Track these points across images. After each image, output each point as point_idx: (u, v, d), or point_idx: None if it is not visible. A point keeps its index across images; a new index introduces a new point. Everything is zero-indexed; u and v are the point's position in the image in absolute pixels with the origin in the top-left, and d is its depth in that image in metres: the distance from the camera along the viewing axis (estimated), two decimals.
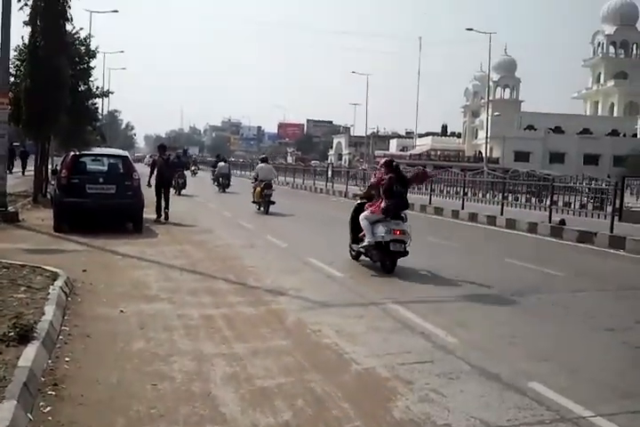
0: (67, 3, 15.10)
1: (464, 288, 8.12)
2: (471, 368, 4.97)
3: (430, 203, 21.19)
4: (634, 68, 75.92)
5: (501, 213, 17.52)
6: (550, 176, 18.24)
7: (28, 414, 3.72)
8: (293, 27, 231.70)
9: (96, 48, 20.50)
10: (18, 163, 32.99)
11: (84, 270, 8.07)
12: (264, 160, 20.20)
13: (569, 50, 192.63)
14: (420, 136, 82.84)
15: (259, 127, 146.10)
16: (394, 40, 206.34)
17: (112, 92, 25.04)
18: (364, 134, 76.84)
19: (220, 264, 9.32)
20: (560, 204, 17.22)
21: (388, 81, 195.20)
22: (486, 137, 52.84)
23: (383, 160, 9.89)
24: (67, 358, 4.79)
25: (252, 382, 4.52)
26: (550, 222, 15.45)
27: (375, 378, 4.70)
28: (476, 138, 74.75)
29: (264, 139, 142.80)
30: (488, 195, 21.34)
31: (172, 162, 16.50)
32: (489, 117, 53.70)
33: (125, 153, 14.51)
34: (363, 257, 9.59)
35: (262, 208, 17.93)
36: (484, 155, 56.69)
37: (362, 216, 9.21)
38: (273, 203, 17.86)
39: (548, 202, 17.13)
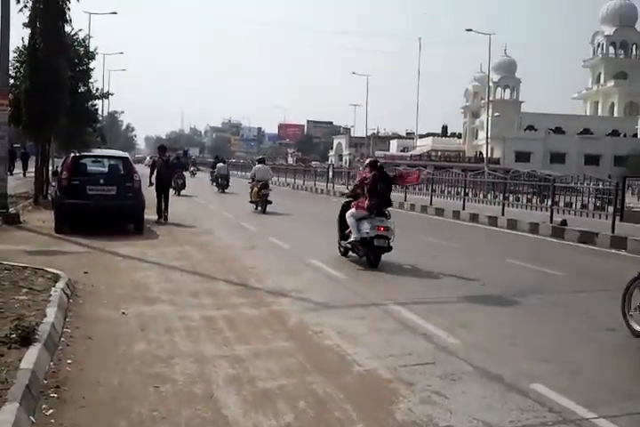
0: (66, 4, 15.10)
1: (465, 289, 8.11)
2: (473, 369, 4.96)
3: (431, 204, 21.18)
4: (633, 69, 75.96)
5: (502, 214, 17.52)
6: (551, 176, 18.24)
7: (31, 417, 3.71)
8: (293, 27, 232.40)
9: (95, 49, 20.54)
10: (19, 164, 33.02)
11: (86, 272, 8.07)
12: (261, 161, 20.87)
13: (569, 50, 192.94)
14: (421, 137, 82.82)
15: (259, 128, 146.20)
16: (394, 40, 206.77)
17: (112, 94, 25.12)
18: (364, 135, 76.83)
19: (221, 265, 9.32)
20: (561, 204, 17.21)
21: (388, 81, 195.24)
22: (487, 137, 52.83)
23: (368, 160, 10.43)
24: (68, 361, 4.78)
25: (254, 383, 4.51)
26: (552, 223, 15.44)
27: (377, 380, 4.70)
28: (477, 138, 74.74)
29: (264, 140, 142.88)
30: (489, 195, 21.34)
31: (172, 163, 16.58)
32: (489, 118, 53.66)
33: (126, 154, 14.50)
34: (351, 253, 9.93)
35: (260, 207, 18.35)
36: (484, 155, 56.69)
37: (348, 214, 9.63)
38: (270, 202, 18.29)
39: (550, 202, 17.13)
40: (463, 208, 19.45)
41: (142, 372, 4.67)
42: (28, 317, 5.32)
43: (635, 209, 16.43)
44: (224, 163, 30.67)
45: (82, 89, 19.69)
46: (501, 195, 19.61)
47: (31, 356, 4.39)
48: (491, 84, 60.24)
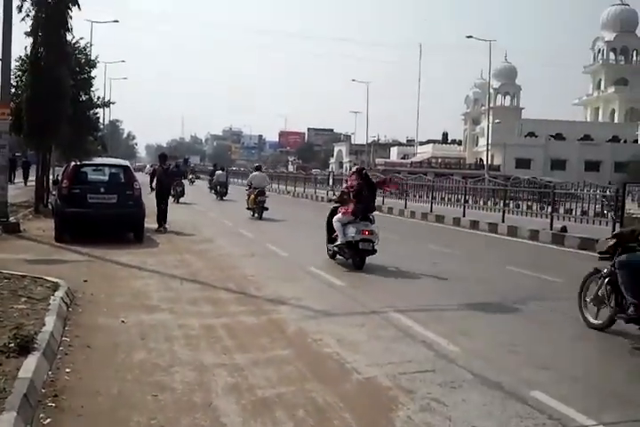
0: (68, 13, 15.19)
1: (465, 296, 8.10)
2: (473, 377, 4.95)
3: (431, 211, 21.18)
4: (634, 75, 76.15)
5: (503, 221, 17.51)
6: (551, 183, 18.23)
7: (29, 426, 3.71)
8: (294, 34, 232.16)
9: (96, 57, 20.64)
10: (20, 173, 33.08)
11: (85, 281, 8.08)
12: (258, 168, 22.20)
13: (569, 56, 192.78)
14: (421, 144, 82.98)
15: (260, 136, 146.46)
16: (394, 48, 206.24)
17: (113, 103, 25.24)
18: (364, 142, 77.00)
19: (221, 273, 9.32)
20: (561, 211, 17.20)
21: (388, 88, 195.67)
22: (487, 144, 52.84)
23: (354, 168, 10.90)
24: (67, 369, 4.78)
25: (253, 392, 4.51)
26: (552, 229, 15.43)
27: (376, 387, 4.69)
28: (477, 145, 74.86)
29: (265, 147, 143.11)
30: (489, 202, 21.32)
31: (171, 171, 16.60)
32: (490, 125, 53.69)
33: (126, 163, 14.52)
34: (338, 256, 10.34)
35: (256, 214, 18.66)
36: (485, 162, 56.71)
37: (335, 218, 10.15)
38: (266, 209, 18.63)
39: (550, 209, 17.12)
40: (463, 215, 19.44)
41: (141, 380, 4.66)
42: (27, 325, 5.32)
43: (635, 215, 16.40)
44: (223, 170, 30.82)
45: (83, 98, 19.73)
46: (502, 202, 19.59)
47: (29, 365, 4.39)
48: (491, 90, 60.39)
